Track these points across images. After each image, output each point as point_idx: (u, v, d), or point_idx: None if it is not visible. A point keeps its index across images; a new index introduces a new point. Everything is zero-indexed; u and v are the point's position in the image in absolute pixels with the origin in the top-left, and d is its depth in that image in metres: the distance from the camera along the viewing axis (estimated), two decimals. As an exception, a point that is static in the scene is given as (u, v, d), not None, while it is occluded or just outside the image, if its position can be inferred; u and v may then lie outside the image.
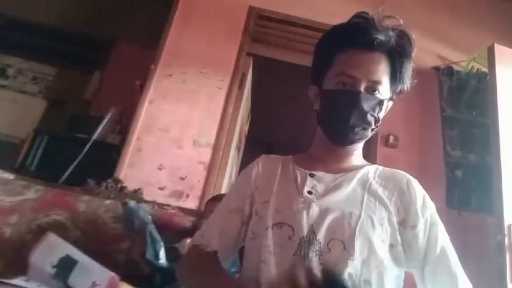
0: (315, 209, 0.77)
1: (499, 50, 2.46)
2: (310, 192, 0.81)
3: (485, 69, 2.68)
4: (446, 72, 2.84)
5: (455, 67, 2.86)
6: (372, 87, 0.81)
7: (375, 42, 0.80)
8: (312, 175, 0.84)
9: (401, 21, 0.83)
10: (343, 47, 0.83)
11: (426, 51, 2.90)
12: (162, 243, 1.57)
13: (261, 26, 2.93)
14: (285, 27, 2.92)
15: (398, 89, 0.86)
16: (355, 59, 0.81)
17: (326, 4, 2.86)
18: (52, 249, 1.41)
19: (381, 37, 0.80)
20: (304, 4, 2.89)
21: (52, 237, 1.46)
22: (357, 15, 0.84)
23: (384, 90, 0.82)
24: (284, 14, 2.86)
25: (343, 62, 0.82)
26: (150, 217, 1.71)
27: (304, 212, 0.77)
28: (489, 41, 2.53)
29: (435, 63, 2.90)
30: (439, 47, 2.94)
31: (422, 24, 2.92)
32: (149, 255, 1.53)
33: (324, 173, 0.84)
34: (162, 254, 1.55)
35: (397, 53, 0.82)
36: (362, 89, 0.79)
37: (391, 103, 0.88)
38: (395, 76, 0.84)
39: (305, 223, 0.75)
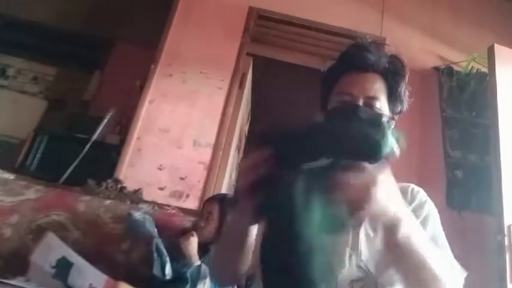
0: None
1: (499, 50, 2.46)
2: None
3: (485, 69, 2.68)
4: (446, 72, 2.84)
5: (455, 67, 2.85)
6: (370, 103, 0.87)
7: (368, 63, 0.89)
8: None
9: (393, 48, 0.94)
10: (341, 73, 0.92)
11: (426, 51, 2.90)
12: (168, 258, 1.54)
13: (261, 26, 2.93)
14: (285, 27, 2.92)
15: (398, 109, 0.93)
16: (351, 79, 0.90)
17: (326, 4, 2.84)
18: (50, 249, 1.40)
19: (373, 58, 0.89)
20: (304, 4, 2.89)
21: (50, 238, 1.45)
22: (351, 45, 0.95)
23: (383, 107, 0.89)
24: (284, 14, 2.86)
25: (342, 83, 0.91)
26: (156, 230, 1.66)
27: None
28: (489, 41, 2.53)
29: (435, 63, 2.89)
30: (439, 47, 2.94)
31: (423, 24, 2.93)
32: (156, 271, 1.50)
33: None
34: (168, 268, 1.51)
35: (391, 73, 0.90)
36: (360, 103, 0.87)
37: (393, 123, 0.93)
38: (391, 95, 0.91)
39: None
